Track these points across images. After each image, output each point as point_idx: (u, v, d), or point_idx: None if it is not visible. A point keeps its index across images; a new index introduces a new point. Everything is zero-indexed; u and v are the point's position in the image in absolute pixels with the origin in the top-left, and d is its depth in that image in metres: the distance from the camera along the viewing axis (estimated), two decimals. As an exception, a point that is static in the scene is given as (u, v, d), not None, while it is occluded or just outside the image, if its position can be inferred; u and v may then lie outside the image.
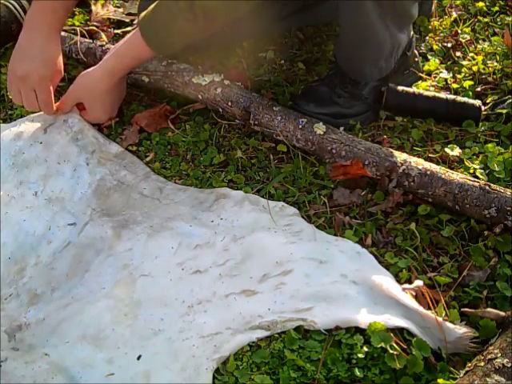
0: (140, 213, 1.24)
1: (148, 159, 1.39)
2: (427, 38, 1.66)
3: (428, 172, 1.21)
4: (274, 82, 1.54)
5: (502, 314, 1.02)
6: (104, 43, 1.57)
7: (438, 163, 1.27)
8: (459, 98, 1.39)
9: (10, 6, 1.63)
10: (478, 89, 1.48)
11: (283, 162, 1.36)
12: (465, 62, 1.56)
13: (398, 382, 0.97)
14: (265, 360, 1.00)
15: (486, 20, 1.71)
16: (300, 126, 1.32)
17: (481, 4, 1.74)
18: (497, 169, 1.26)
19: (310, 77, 1.56)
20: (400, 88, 1.40)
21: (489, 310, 1.04)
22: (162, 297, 1.09)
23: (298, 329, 1.04)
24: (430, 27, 1.69)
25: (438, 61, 1.58)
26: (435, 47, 1.62)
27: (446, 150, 1.31)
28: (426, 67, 1.55)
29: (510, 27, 1.64)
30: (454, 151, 1.31)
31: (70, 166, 1.32)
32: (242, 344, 1.02)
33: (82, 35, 1.63)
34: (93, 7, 1.80)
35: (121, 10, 1.81)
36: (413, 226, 1.17)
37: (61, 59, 1.37)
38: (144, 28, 1.28)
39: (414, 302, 1.03)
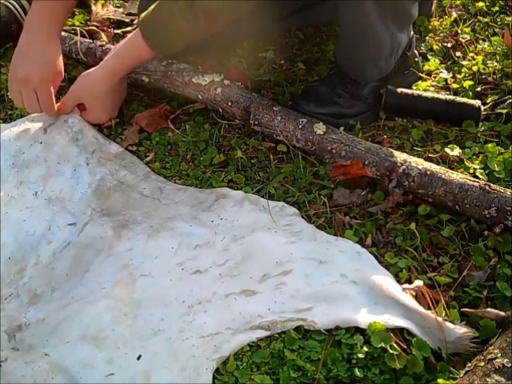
0: (140, 213, 1.24)
1: (148, 159, 1.39)
2: (427, 38, 1.67)
3: (428, 172, 1.21)
4: (274, 82, 1.54)
5: (502, 314, 1.02)
6: (104, 43, 1.57)
7: (438, 163, 1.27)
8: (459, 99, 1.39)
9: (10, 6, 1.63)
10: (478, 89, 1.48)
11: (283, 162, 1.36)
12: (465, 62, 1.56)
13: (398, 382, 0.97)
14: (265, 360, 1.00)
15: (486, 20, 1.71)
16: (300, 126, 1.32)
17: (481, 4, 1.75)
18: (497, 169, 1.26)
19: (310, 77, 1.56)
20: (399, 89, 1.40)
21: (489, 310, 1.04)
22: (162, 297, 1.09)
23: (298, 329, 1.04)
24: (430, 27, 1.69)
25: (438, 61, 1.58)
26: (435, 47, 1.62)
27: (446, 150, 1.31)
28: (426, 67, 1.55)
29: (510, 27, 1.64)
30: (454, 151, 1.31)
31: (70, 166, 1.32)
32: (242, 344, 1.02)
33: (82, 35, 1.63)
34: (93, 7, 1.80)
35: (121, 9, 1.81)
36: (413, 226, 1.17)
37: (61, 60, 1.37)
38: (144, 28, 1.28)
39: (414, 302, 1.03)
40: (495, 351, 0.94)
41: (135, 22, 1.74)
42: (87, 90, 1.37)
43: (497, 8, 1.75)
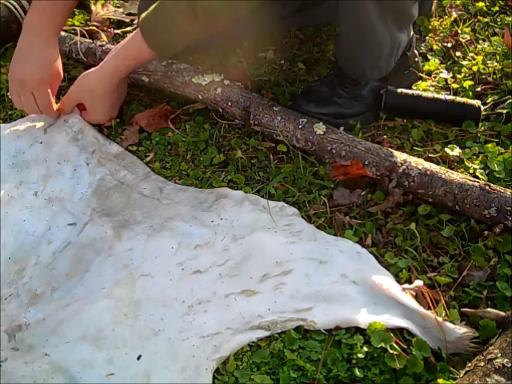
0: (140, 213, 1.24)
1: (148, 159, 1.39)
2: (427, 38, 1.67)
3: (428, 172, 1.21)
4: (274, 82, 1.54)
5: (502, 314, 1.02)
6: (104, 43, 1.57)
7: (438, 163, 1.27)
8: (458, 99, 1.39)
9: (10, 6, 1.63)
10: (478, 89, 1.48)
11: (283, 162, 1.36)
12: (465, 62, 1.56)
13: (398, 382, 0.97)
14: (265, 360, 1.00)
15: (486, 20, 1.71)
16: (300, 126, 1.32)
17: (481, 4, 1.75)
18: (497, 169, 1.26)
19: (310, 77, 1.56)
20: (399, 90, 1.40)
21: (489, 310, 1.04)
22: (162, 297, 1.09)
23: (297, 329, 1.04)
24: (430, 27, 1.69)
25: (438, 61, 1.58)
26: (435, 47, 1.62)
27: (446, 150, 1.31)
28: (426, 67, 1.55)
29: (510, 27, 1.65)
30: (454, 151, 1.31)
31: (70, 165, 1.32)
32: (242, 344, 1.02)
33: (82, 35, 1.63)
34: (93, 7, 1.80)
35: (121, 9, 1.81)
36: (413, 226, 1.17)
37: (59, 62, 1.38)
38: (145, 29, 1.28)
39: (414, 302, 1.03)
40: (495, 351, 0.94)
41: (135, 21, 1.75)
42: (87, 90, 1.37)
43: (497, 8, 1.75)
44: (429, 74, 1.54)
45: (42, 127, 1.39)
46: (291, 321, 1.04)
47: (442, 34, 1.67)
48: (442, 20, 1.72)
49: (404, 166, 1.23)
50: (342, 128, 1.36)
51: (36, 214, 1.25)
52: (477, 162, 1.30)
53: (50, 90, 1.35)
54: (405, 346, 0.99)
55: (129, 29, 1.75)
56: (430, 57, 1.59)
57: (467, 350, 1.00)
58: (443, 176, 1.20)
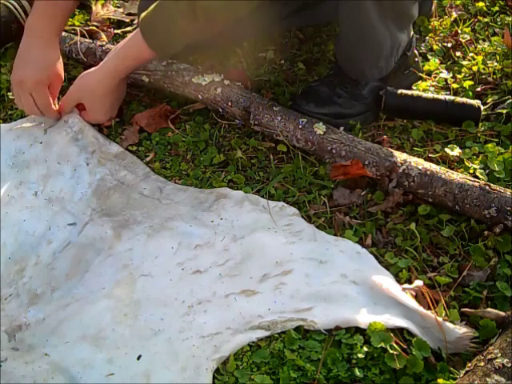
0: (140, 213, 1.24)
1: (148, 159, 1.39)
2: (427, 38, 1.67)
3: (428, 172, 1.21)
4: (274, 82, 1.54)
5: (502, 314, 1.02)
6: (104, 43, 1.57)
7: (438, 163, 1.27)
8: (458, 99, 1.39)
9: (10, 6, 1.63)
10: (478, 89, 1.48)
11: (283, 162, 1.36)
12: (465, 62, 1.56)
13: (398, 382, 0.97)
14: (265, 360, 1.00)
15: (486, 20, 1.71)
16: (300, 126, 1.32)
17: (481, 4, 1.75)
18: (497, 169, 1.26)
19: (310, 77, 1.56)
20: (398, 91, 1.40)
21: (489, 310, 1.04)
22: (162, 297, 1.09)
23: (297, 329, 1.04)
24: (430, 27, 1.69)
25: (438, 61, 1.58)
26: (435, 47, 1.62)
27: (446, 150, 1.31)
28: (426, 67, 1.55)
29: (510, 27, 1.65)
30: (454, 151, 1.31)
31: (70, 166, 1.32)
32: (242, 344, 1.02)
33: (82, 35, 1.63)
34: (93, 7, 1.80)
35: (121, 9, 1.81)
36: (413, 226, 1.17)
37: (60, 63, 1.39)
38: (145, 29, 1.28)
39: (414, 302, 1.03)
40: (495, 351, 0.94)
41: (135, 21, 1.75)
42: (87, 90, 1.37)
43: (497, 8, 1.75)
44: (429, 74, 1.54)
45: (41, 127, 1.39)
46: (291, 321, 1.04)
47: (442, 34, 1.67)
48: (442, 20, 1.72)
49: (404, 166, 1.23)
50: (341, 128, 1.36)
51: (36, 214, 1.25)
52: (477, 162, 1.30)
53: (48, 91, 1.36)
54: (405, 346, 0.99)
55: (129, 29, 1.75)
56: (430, 57, 1.59)
57: (467, 350, 1.00)
58: (443, 176, 1.20)
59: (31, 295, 1.13)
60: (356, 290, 1.07)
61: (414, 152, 1.33)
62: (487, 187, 1.16)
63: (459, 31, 1.67)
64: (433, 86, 1.50)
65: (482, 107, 1.38)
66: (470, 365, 0.95)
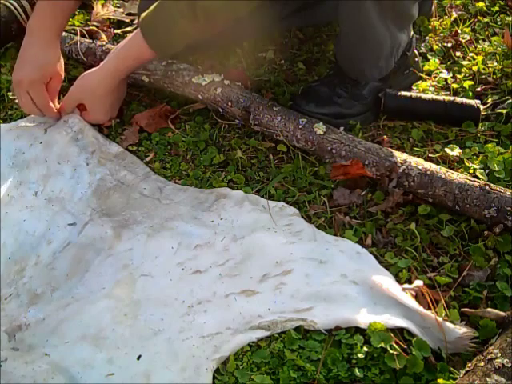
0: (140, 213, 1.24)
1: (148, 159, 1.39)
2: (427, 38, 1.67)
3: (428, 172, 1.21)
4: (274, 82, 1.54)
5: (502, 314, 1.02)
6: (104, 43, 1.57)
7: (437, 163, 1.27)
8: (458, 99, 1.39)
9: (10, 6, 1.63)
10: (478, 89, 1.48)
11: (283, 162, 1.36)
12: (465, 62, 1.56)
13: (398, 382, 0.97)
14: (265, 360, 1.00)
15: (486, 20, 1.71)
16: (300, 126, 1.32)
17: (481, 4, 1.75)
18: (497, 169, 1.26)
19: (310, 77, 1.56)
20: (398, 92, 1.40)
21: (489, 310, 1.04)
22: (162, 297, 1.09)
23: (297, 329, 1.04)
24: (430, 27, 1.69)
25: (438, 61, 1.58)
26: (435, 47, 1.62)
27: (446, 150, 1.31)
28: (426, 67, 1.55)
29: (510, 27, 1.64)
30: (454, 151, 1.31)
31: (70, 165, 1.32)
32: (242, 344, 1.02)
33: (82, 35, 1.63)
34: (94, 7, 1.80)
35: (121, 9, 1.81)
36: (413, 226, 1.17)
37: (59, 63, 1.39)
38: (145, 29, 1.28)
39: (414, 302, 1.03)
40: (495, 351, 0.94)
41: (135, 21, 1.75)
42: (88, 90, 1.37)
43: (497, 8, 1.75)
44: (429, 74, 1.54)
45: (41, 127, 1.39)
46: (291, 321, 1.04)
47: (442, 34, 1.67)
48: (442, 20, 1.72)
49: (404, 166, 1.23)
50: (341, 128, 1.36)
51: (36, 214, 1.25)
52: (477, 162, 1.30)
53: (46, 90, 1.36)
54: (405, 346, 0.99)
55: (129, 29, 1.75)
56: (430, 57, 1.59)
57: (467, 350, 1.00)
58: (443, 176, 1.20)
59: (31, 295, 1.13)
60: (356, 290, 1.07)
61: (414, 152, 1.33)
62: (487, 187, 1.16)
63: (459, 31, 1.67)
64: (433, 86, 1.50)
65: (482, 107, 1.38)
66: (469, 365, 0.95)
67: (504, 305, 1.06)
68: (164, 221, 1.21)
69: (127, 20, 1.78)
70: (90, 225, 1.22)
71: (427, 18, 1.70)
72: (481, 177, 1.25)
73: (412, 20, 1.37)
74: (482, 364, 0.93)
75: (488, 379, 0.90)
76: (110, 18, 1.78)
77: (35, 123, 1.40)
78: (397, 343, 0.99)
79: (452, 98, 1.39)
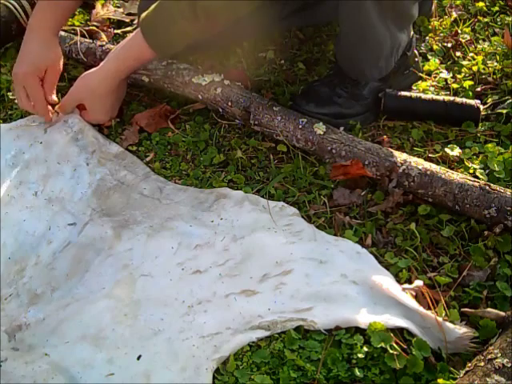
0: (140, 213, 1.24)
1: (148, 159, 1.39)
2: (427, 38, 1.67)
3: (428, 172, 1.21)
4: (274, 81, 1.54)
5: (502, 314, 1.02)
6: (104, 43, 1.57)
7: (437, 163, 1.27)
8: (457, 99, 1.39)
9: (10, 6, 1.63)
10: (478, 89, 1.48)
11: (283, 162, 1.36)
12: (465, 62, 1.56)
13: (398, 382, 0.97)
14: (265, 360, 1.00)
15: (486, 20, 1.71)
16: (300, 126, 1.32)
17: (481, 4, 1.75)
18: (497, 169, 1.26)
19: (310, 77, 1.56)
20: (398, 93, 1.40)
21: (489, 310, 1.04)
22: (162, 297, 1.09)
23: (297, 329, 1.04)
24: (430, 27, 1.69)
25: (438, 61, 1.58)
26: (435, 47, 1.62)
27: (446, 150, 1.31)
28: (426, 67, 1.55)
29: (510, 27, 1.64)
30: (454, 151, 1.31)
31: (70, 165, 1.32)
32: (242, 344, 1.02)
33: (82, 35, 1.63)
34: (96, 6, 1.80)
35: (121, 9, 1.81)
36: (413, 226, 1.17)
37: (53, 56, 1.39)
38: (145, 29, 1.29)
39: (414, 302, 1.03)
40: (495, 351, 0.94)
41: (135, 21, 1.74)
42: (88, 91, 1.37)
43: (497, 8, 1.75)
44: (429, 74, 1.54)
45: (41, 127, 1.39)
46: (291, 321, 1.04)
47: (442, 34, 1.67)
48: (442, 20, 1.72)
49: (404, 166, 1.23)
50: (341, 128, 1.36)
51: (36, 214, 1.25)
52: (477, 162, 1.30)
53: (39, 83, 1.37)
54: (405, 346, 0.99)
55: (129, 29, 1.75)
56: (430, 57, 1.59)
57: (467, 350, 1.00)
58: (443, 176, 1.20)
59: (31, 295, 1.13)
60: (356, 290, 1.07)
61: (414, 152, 1.33)
62: (487, 187, 1.16)
63: (459, 31, 1.67)
64: (433, 86, 1.50)
65: (482, 107, 1.38)
66: (470, 365, 0.95)
67: (504, 305, 1.06)
68: (164, 221, 1.21)
69: (127, 20, 1.78)
70: (90, 225, 1.22)
71: (427, 18, 1.70)
72: (481, 177, 1.25)
73: (412, 20, 1.37)
74: (482, 364, 0.93)
75: (488, 379, 0.90)
76: (110, 18, 1.78)
77: (35, 123, 1.40)
78: (397, 343, 0.99)
79: (452, 98, 1.39)
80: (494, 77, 1.51)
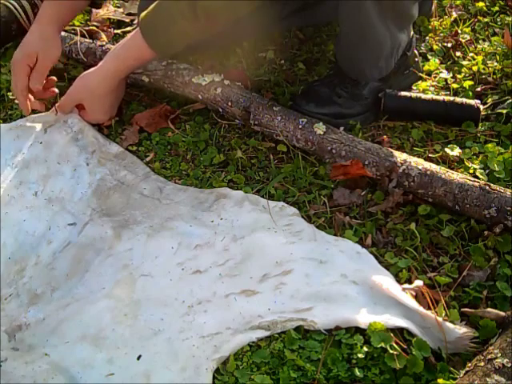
0: (140, 213, 1.24)
1: (148, 159, 1.39)
2: (427, 38, 1.67)
3: (428, 172, 1.21)
4: (274, 81, 1.54)
5: (502, 314, 1.02)
6: (104, 43, 1.57)
7: (437, 163, 1.27)
8: (457, 100, 1.39)
9: (10, 5, 1.63)
10: (478, 89, 1.48)
11: (283, 162, 1.36)
12: (465, 62, 1.56)
13: (398, 382, 0.97)
14: (265, 360, 1.00)
15: (486, 20, 1.71)
16: (300, 126, 1.32)
17: (481, 4, 1.75)
18: (497, 169, 1.26)
19: (310, 77, 1.56)
20: (398, 93, 1.40)
21: (489, 310, 1.04)
22: (162, 297, 1.09)
23: (297, 329, 1.04)
24: (430, 27, 1.69)
25: (438, 61, 1.58)
26: (435, 47, 1.62)
27: (446, 150, 1.31)
28: (426, 67, 1.55)
29: (510, 27, 1.64)
30: (454, 151, 1.31)
31: (70, 165, 1.32)
32: (242, 344, 1.02)
33: (82, 35, 1.63)
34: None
35: (121, 9, 1.81)
36: (413, 226, 1.17)
37: (45, 44, 1.38)
38: (145, 29, 1.28)
39: (414, 302, 1.03)
40: (495, 351, 0.94)
41: (135, 21, 1.74)
42: (87, 90, 1.37)
43: (497, 8, 1.75)
44: (429, 74, 1.54)
45: (41, 127, 1.39)
46: (291, 321, 1.04)
47: (442, 34, 1.67)
48: (442, 20, 1.72)
49: (404, 166, 1.23)
50: (341, 128, 1.36)
51: (36, 214, 1.25)
52: (477, 162, 1.30)
53: (25, 71, 1.36)
54: (405, 346, 0.99)
55: (129, 29, 1.75)
56: (430, 57, 1.59)
57: (467, 350, 1.00)
58: (443, 176, 1.20)
59: (31, 295, 1.13)
60: (356, 290, 1.07)
61: (414, 152, 1.33)
62: (487, 187, 1.16)
63: (459, 31, 1.67)
64: (433, 86, 1.50)
65: (482, 107, 1.38)
66: (470, 365, 0.95)
67: (504, 305, 1.06)
68: (164, 221, 1.21)
69: (127, 20, 1.78)
70: (90, 225, 1.22)
71: (427, 18, 1.70)
72: (481, 177, 1.25)
73: (412, 20, 1.37)
74: (482, 364, 0.93)
75: (488, 379, 0.90)
76: (110, 18, 1.78)
77: (35, 123, 1.40)
78: (397, 343, 0.99)
79: (452, 98, 1.39)
80: (494, 77, 1.51)
